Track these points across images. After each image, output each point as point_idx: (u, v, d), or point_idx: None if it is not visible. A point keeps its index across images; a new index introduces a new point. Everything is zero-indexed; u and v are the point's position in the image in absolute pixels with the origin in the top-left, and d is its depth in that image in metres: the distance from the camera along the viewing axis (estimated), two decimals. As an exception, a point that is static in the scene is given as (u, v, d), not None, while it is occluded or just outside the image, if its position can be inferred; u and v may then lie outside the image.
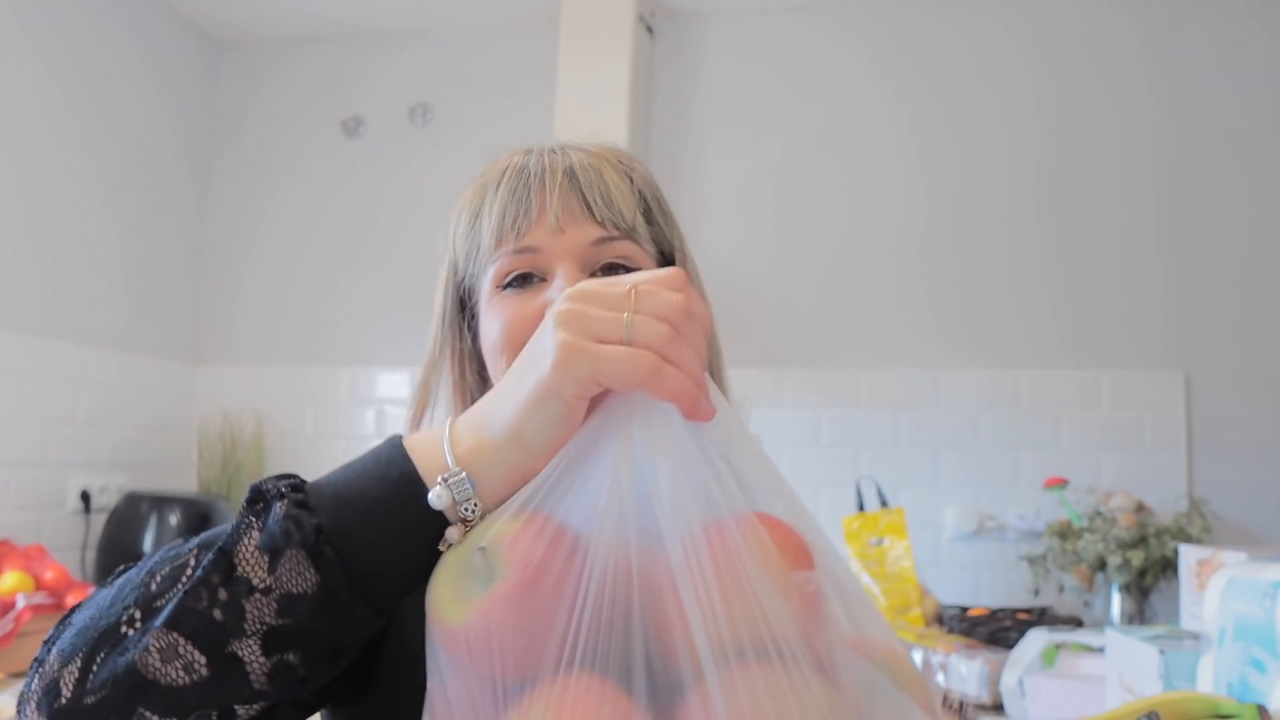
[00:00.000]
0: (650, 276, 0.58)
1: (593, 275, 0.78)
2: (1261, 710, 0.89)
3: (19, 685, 1.70)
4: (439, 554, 0.57)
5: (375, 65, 2.96)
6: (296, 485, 0.58)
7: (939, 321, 2.62)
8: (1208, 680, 1.13)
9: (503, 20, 2.87)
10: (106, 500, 2.53)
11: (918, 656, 2.00)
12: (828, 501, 2.57)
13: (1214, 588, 1.13)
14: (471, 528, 0.56)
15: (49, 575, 2.08)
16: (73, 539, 2.46)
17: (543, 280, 0.78)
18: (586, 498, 0.54)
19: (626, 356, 0.53)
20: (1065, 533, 2.27)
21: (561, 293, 0.60)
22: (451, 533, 0.57)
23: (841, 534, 2.39)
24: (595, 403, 0.57)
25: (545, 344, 0.56)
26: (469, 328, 0.84)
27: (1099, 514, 2.26)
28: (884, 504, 2.43)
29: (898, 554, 2.32)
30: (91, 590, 0.80)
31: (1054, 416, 2.53)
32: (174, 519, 2.40)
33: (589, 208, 0.78)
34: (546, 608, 0.51)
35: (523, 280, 0.78)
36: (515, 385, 0.58)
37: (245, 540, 0.56)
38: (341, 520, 0.56)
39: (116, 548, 2.41)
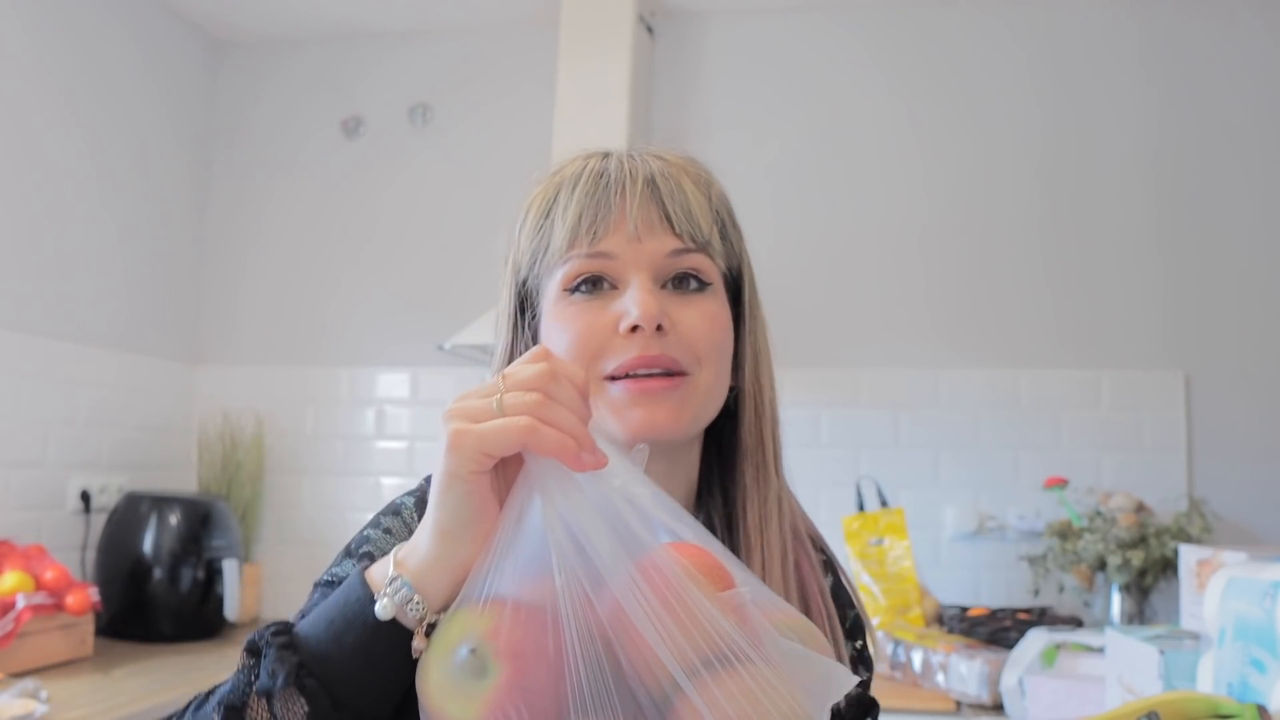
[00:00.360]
0: (516, 362, 0.63)
1: (664, 286, 0.78)
2: (1261, 710, 0.89)
3: (19, 685, 1.70)
4: (415, 660, 0.62)
5: (375, 65, 2.96)
6: (281, 630, 0.64)
7: (939, 321, 2.62)
8: (1208, 680, 1.13)
9: (503, 20, 2.87)
10: (106, 500, 2.53)
11: (917, 657, 2.00)
12: (828, 501, 2.57)
13: (1214, 588, 1.13)
14: (434, 628, 0.61)
15: (49, 575, 2.08)
16: (73, 539, 2.46)
17: (613, 288, 0.78)
18: (534, 568, 0.59)
19: (501, 424, 0.59)
20: (1065, 533, 2.27)
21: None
22: (416, 643, 0.61)
23: (841, 534, 2.39)
24: (507, 487, 0.62)
25: (440, 441, 0.61)
26: (529, 328, 0.83)
27: (1099, 514, 2.26)
28: (884, 504, 2.43)
29: (898, 554, 2.32)
30: None
31: (1054, 416, 2.53)
32: (174, 519, 2.40)
33: (668, 218, 0.78)
34: (546, 683, 0.57)
35: (592, 284, 0.78)
36: (431, 492, 0.62)
37: (247, 691, 0.62)
38: (317, 651, 0.62)
39: (116, 548, 2.41)
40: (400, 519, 0.78)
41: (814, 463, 2.60)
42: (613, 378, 0.76)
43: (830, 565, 0.91)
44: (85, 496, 2.49)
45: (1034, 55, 2.64)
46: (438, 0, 2.78)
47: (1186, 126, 2.56)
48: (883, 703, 2.09)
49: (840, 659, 0.82)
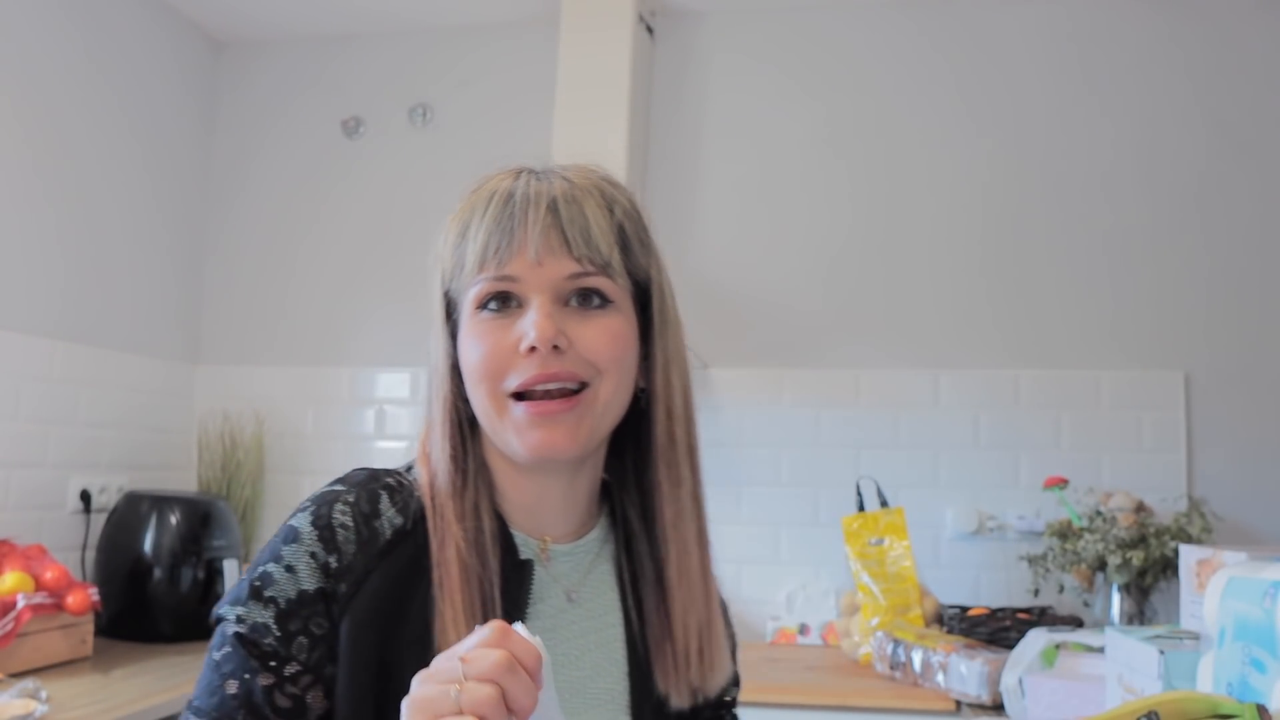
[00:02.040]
0: (475, 641, 0.64)
1: (568, 303, 0.83)
2: (1261, 710, 0.89)
3: (19, 685, 1.70)
4: None
5: (375, 65, 2.96)
6: None
7: (939, 321, 2.62)
8: (1208, 680, 1.13)
9: (503, 20, 2.87)
10: (106, 500, 2.53)
11: (917, 657, 2.00)
12: (828, 501, 2.57)
13: (1214, 588, 1.13)
14: None
15: (49, 575, 2.08)
16: (73, 539, 2.46)
17: (520, 305, 0.83)
18: None
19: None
20: (1065, 533, 2.27)
21: None
22: None
23: (841, 534, 2.39)
24: None
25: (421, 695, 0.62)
26: (453, 336, 0.87)
27: (1099, 514, 2.26)
28: (884, 504, 2.43)
29: (898, 554, 2.32)
30: None
31: (1054, 416, 2.53)
32: (174, 519, 2.40)
33: (567, 244, 0.82)
34: None
35: (501, 302, 0.83)
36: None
37: None
38: None
39: (116, 548, 2.41)
40: (300, 547, 0.78)
41: (814, 463, 2.60)
42: (517, 395, 0.81)
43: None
44: (85, 496, 2.49)
45: (1035, 54, 2.64)
46: (438, 0, 2.78)
47: (1187, 126, 2.56)
48: (883, 703, 2.10)
49: (732, 667, 0.94)
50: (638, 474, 0.90)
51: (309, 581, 0.77)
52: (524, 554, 0.85)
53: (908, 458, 2.57)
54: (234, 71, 3.03)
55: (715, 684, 0.90)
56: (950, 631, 2.21)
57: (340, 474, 0.85)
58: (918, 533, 2.45)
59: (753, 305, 2.69)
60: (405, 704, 0.62)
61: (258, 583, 0.77)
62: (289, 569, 0.77)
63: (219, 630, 0.78)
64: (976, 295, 2.61)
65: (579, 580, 0.89)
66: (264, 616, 0.76)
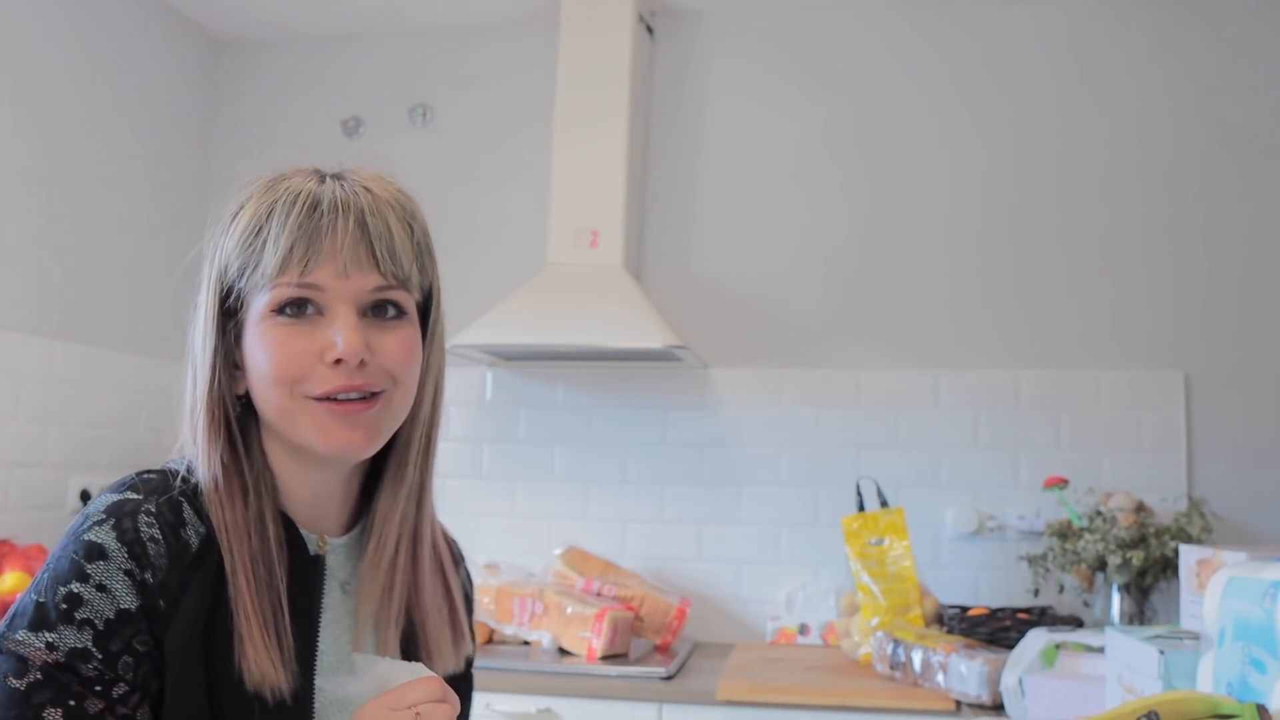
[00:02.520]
0: (423, 694, 0.78)
1: (364, 314, 0.85)
2: (1261, 710, 0.89)
3: (19, 685, 1.69)
4: None
5: (375, 65, 2.96)
6: None
7: (938, 321, 2.62)
8: (1208, 680, 1.13)
9: (503, 20, 2.87)
10: (106, 500, 2.53)
11: (917, 657, 2.00)
12: (828, 501, 2.57)
13: (1214, 588, 1.13)
14: None
15: (49, 575, 2.08)
16: (73, 539, 2.46)
17: (319, 313, 0.84)
18: None
19: None
20: (1065, 533, 2.27)
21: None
22: None
23: (841, 534, 2.39)
24: None
25: None
26: (230, 331, 0.86)
27: (1099, 514, 2.26)
28: (884, 504, 2.43)
29: (898, 554, 2.32)
30: None
31: (1054, 416, 2.53)
32: (174, 519, 2.40)
33: (374, 258, 0.85)
34: None
35: (298, 308, 0.83)
36: None
37: None
38: None
39: (116, 548, 2.41)
40: (110, 564, 0.74)
41: (814, 463, 2.60)
42: (316, 398, 0.83)
43: (458, 557, 1.07)
44: (85, 496, 2.49)
45: (1035, 55, 2.64)
46: (438, 0, 2.78)
47: (1186, 126, 2.56)
48: (883, 703, 2.10)
49: (470, 640, 1.02)
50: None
51: (127, 600, 0.73)
52: (312, 550, 0.88)
53: (908, 458, 2.57)
54: (234, 71, 3.03)
55: (465, 655, 0.99)
56: (950, 631, 2.21)
57: (124, 476, 0.82)
58: (918, 533, 2.45)
59: (753, 305, 2.69)
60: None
61: (64, 605, 0.71)
62: (101, 588, 0.73)
63: (8, 656, 0.71)
64: (976, 295, 2.61)
65: (350, 572, 0.92)
66: (81, 641, 0.71)
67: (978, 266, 2.62)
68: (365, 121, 2.93)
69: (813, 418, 2.63)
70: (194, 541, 0.79)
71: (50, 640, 0.71)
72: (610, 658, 2.21)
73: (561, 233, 2.54)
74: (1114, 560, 2.13)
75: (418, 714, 0.77)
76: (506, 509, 2.73)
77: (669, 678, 2.09)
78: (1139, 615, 2.20)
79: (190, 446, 0.85)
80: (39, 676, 0.70)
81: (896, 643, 2.08)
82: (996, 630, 2.14)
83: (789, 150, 2.73)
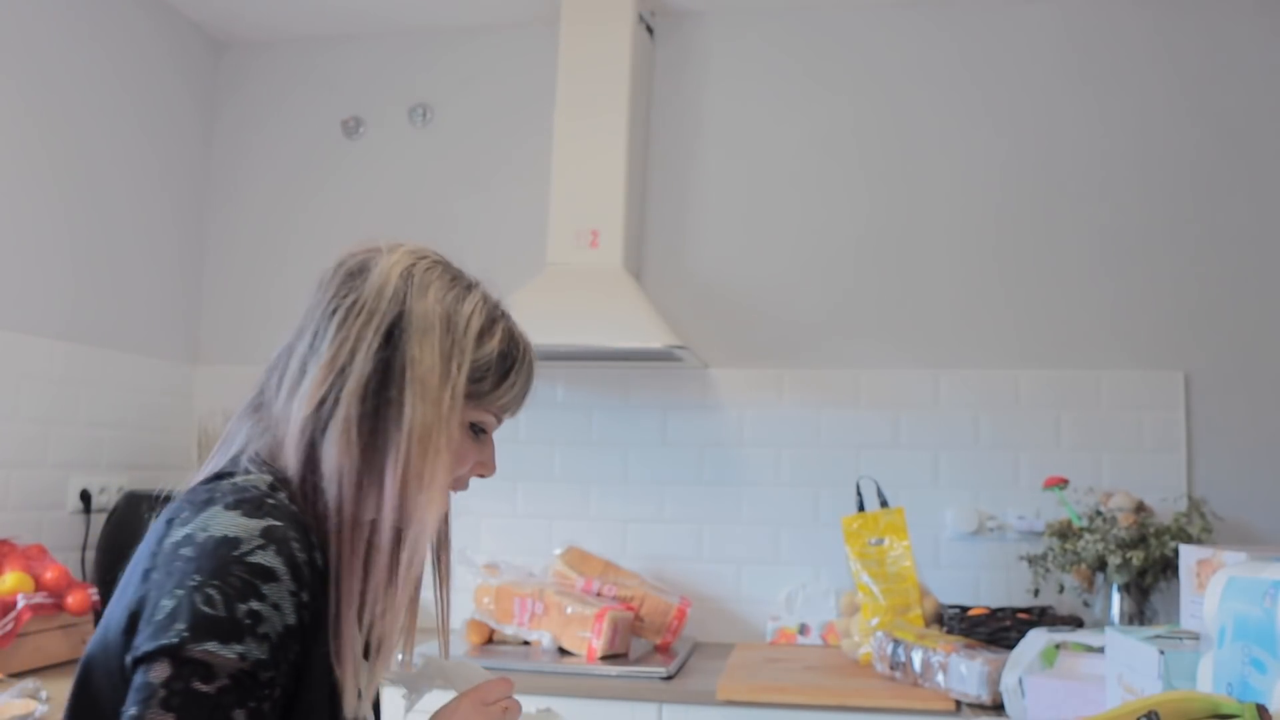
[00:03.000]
0: (503, 691, 1.04)
1: None
2: (1261, 710, 0.89)
3: (19, 685, 1.70)
4: None
5: (375, 65, 2.96)
6: None
7: (938, 321, 2.62)
8: (1208, 680, 1.13)
9: (503, 20, 2.87)
10: (106, 500, 2.53)
11: (917, 657, 2.00)
12: (828, 501, 2.57)
13: (1214, 588, 1.13)
14: None
15: (49, 575, 2.08)
16: (73, 539, 2.46)
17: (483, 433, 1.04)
18: None
19: None
20: (1065, 533, 2.26)
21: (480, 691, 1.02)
22: None
23: (841, 534, 2.39)
24: None
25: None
26: (401, 380, 0.93)
27: (1099, 514, 2.26)
28: (884, 504, 2.43)
29: (898, 554, 2.32)
30: None
31: (1053, 416, 2.53)
32: (174, 519, 2.40)
33: None
34: None
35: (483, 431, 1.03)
36: None
37: None
38: None
39: (116, 548, 2.40)
40: (281, 586, 0.82)
41: (814, 463, 2.60)
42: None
43: None
44: (85, 496, 2.49)
45: (1033, 55, 2.65)
46: (438, 0, 2.78)
47: (1186, 125, 2.56)
48: (883, 703, 2.10)
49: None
50: None
51: (292, 617, 0.82)
52: None
53: (908, 458, 2.57)
54: (234, 71, 3.03)
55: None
56: (950, 631, 2.21)
57: (232, 496, 0.86)
58: (918, 533, 2.46)
59: (753, 305, 2.69)
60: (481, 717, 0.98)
61: (248, 621, 0.79)
62: (275, 607, 0.81)
63: (199, 668, 0.78)
64: (976, 295, 2.61)
65: None
66: (262, 653, 0.80)
67: (978, 266, 2.62)
68: (365, 121, 2.93)
69: (813, 418, 2.63)
70: (319, 563, 0.88)
71: (241, 652, 0.79)
72: (610, 658, 2.21)
73: (561, 233, 2.54)
74: (1114, 560, 2.13)
75: (505, 709, 0.99)
76: (506, 509, 2.73)
77: (669, 678, 2.09)
78: (1139, 615, 2.20)
79: (297, 468, 0.92)
80: (228, 682, 0.78)
81: (896, 643, 2.08)
82: (996, 630, 2.14)
83: (789, 150, 2.73)
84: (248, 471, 0.90)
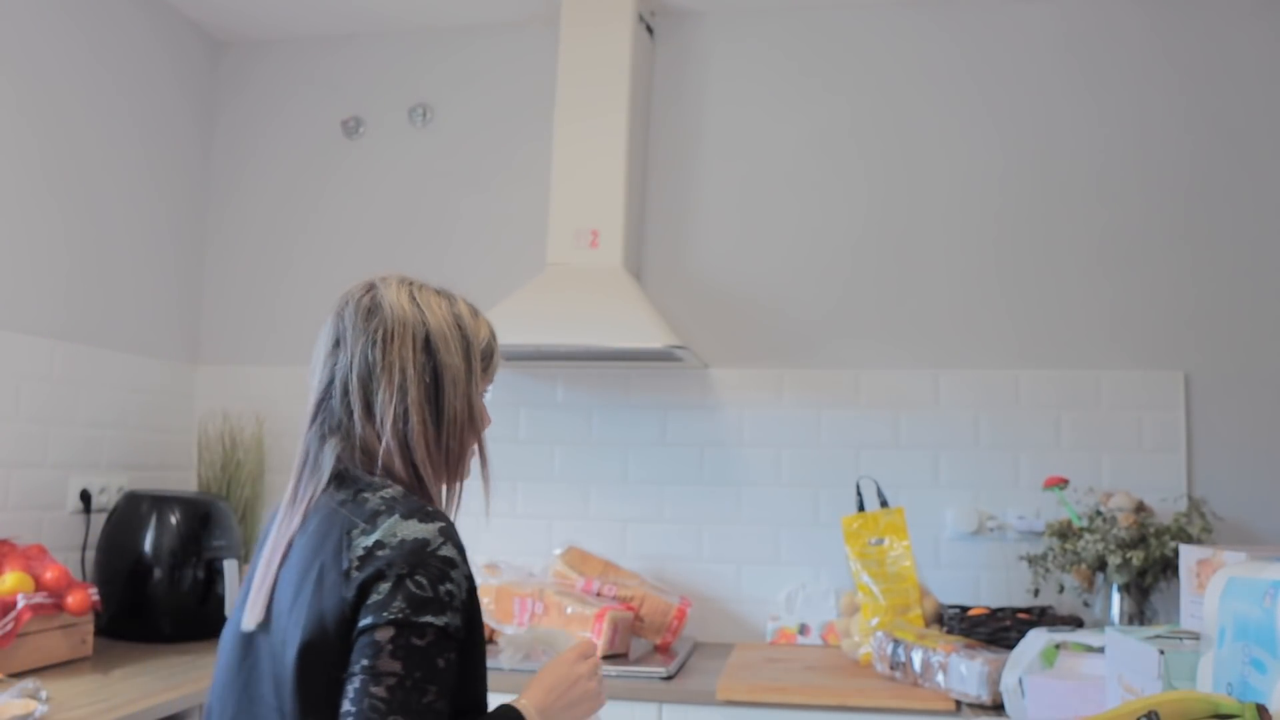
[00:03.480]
0: (593, 648, 1.30)
1: None
2: (1261, 710, 0.89)
3: (19, 685, 1.70)
4: None
5: (375, 65, 2.96)
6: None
7: (938, 321, 2.62)
8: (1208, 680, 1.13)
9: (503, 20, 2.87)
10: (106, 500, 2.54)
11: (917, 657, 2.00)
12: (828, 501, 2.57)
13: (1214, 588, 1.13)
14: None
15: (49, 575, 2.08)
16: (73, 539, 2.46)
17: None
18: None
19: (603, 693, 1.28)
20: (1065, 533, 2.27)
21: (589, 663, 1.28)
22: None
23: (841, 534, 2.39)
24: None
25: (593, 689, 1.26)
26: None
27: (1099, 514, 2.26)
28: (884, 504, 2.43)
29: (898, 554, 2.32)
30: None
31: (1053, 416, 2.53)
32: (174, 519, 2.40)
33: None
34: None
35: None
36: (564, 699, 1.24)
37: None
38: None
39: (116, 548, 2.41)
40: (460, 572, 1.10)
41: (814, 463, 2.60)
42: None
43: None
44: (85, 496, 2.49)
45: (1033, 55, 2.65)
46: (438, 0, 2.78)
47: (1185, 125, 2.56)
48: (883, 703, 2.10)
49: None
50: None
51: (464, 592, 1.09)
52: None
53: (908, 458, 2.57)
54: (234, 71, 3.03)
55: None
56: (950, 631, 2.21)
57: (401, 507, 1.11)
58: (918, 533, 2.46)
59: (753, 305, 2.70)
60: (585, 678, 1.25)
61: (446, 598, 1.06)
62: (458, 585, 1.08)
63: (418, 630, 1.04)
64: (976, 295, 2.61)
65: None
66: (459, 620, 1.08)
67: (978, 266, 2.62)
68: (365, 121, 2.94)
69: (813, 418, 2.63)
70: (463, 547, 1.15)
71: (445, 620, 1.06)
72: (610, 658, 2.21)
73: (561, 233, 2.54)
74: (1114, 560, 2.14)
75: (597, 664, 1.27)
76: (506, 509, 2.73)
77: (669, 678, 2.09)
78: (1139, 615, 2.20)
79: (407, 471, 1.17)
80: (434, 639, 1.05)
81: (896, 643, 2.08)
82: (996, 630, 2.14)
83: (789, 150, 2.73)
84: (375, 486, 1.14)
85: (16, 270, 2.33)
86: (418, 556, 1.06)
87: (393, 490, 1.13)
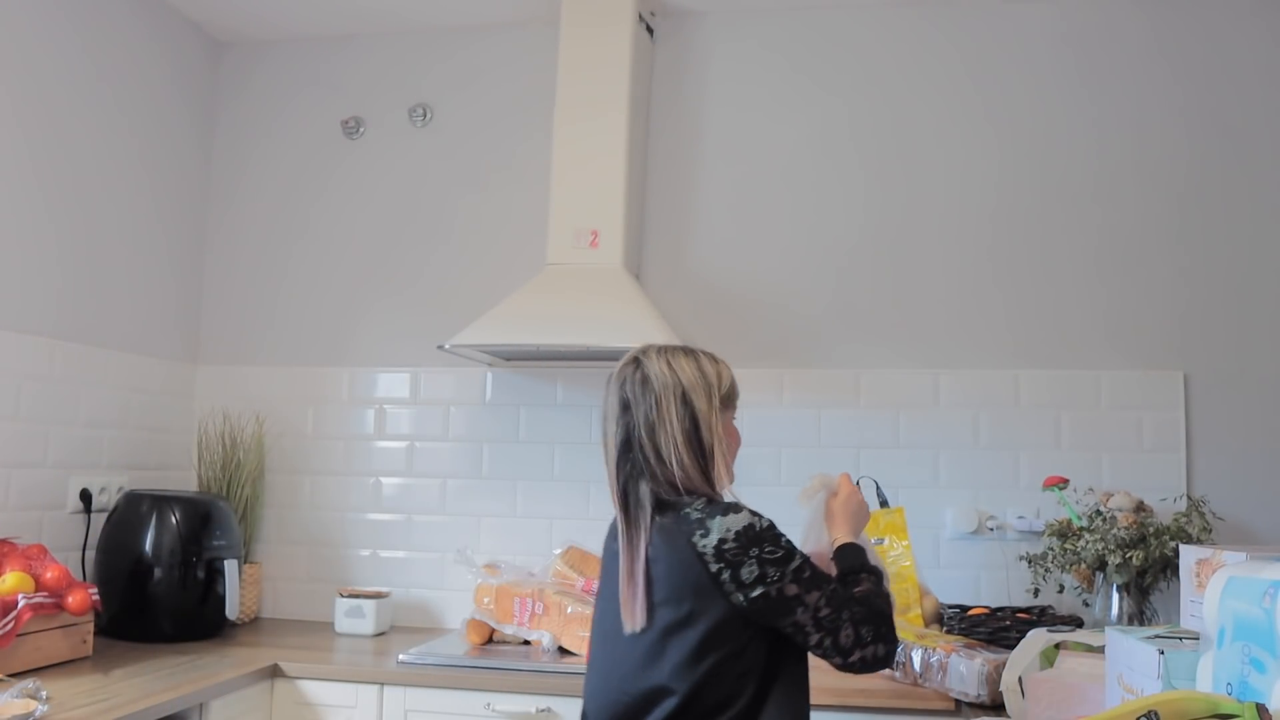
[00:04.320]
0: (847, 481, 1.75)
1: None
2: (1261, 710, 0.89)
3: (19, 685, 1.70)
4: None
5: (375, 65, 2.96)
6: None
7: (939, 321, 2.62)
8: (1208, 680, 1.13)
9: (503, 20, 2.87)
10: (106, 500, 2.54)
11: (917, 657, 2.01)
12: (828, 501, 2.57)
13: (1214, 588, 1.14)
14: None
15: (49, 575, 2.08)
16: (73, 539, 2.46)
17: None
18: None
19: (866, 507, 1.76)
20: (1065, 533, 2.26)
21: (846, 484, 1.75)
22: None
23: (841, 534, 2.38)
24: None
25: (863, 499, 1.73)
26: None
27: (1099, 514, 2.26)
28: (884, 504, 2.43)
29: (898, 554, 2.32)
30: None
31: (1054, 416, 2.53)
32: (174, 519, 2.40)
33: None
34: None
35: None
36: (859, 518, 1.71)
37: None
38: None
39: (116, 548, 2.41)
40: (782, 534, 1.52)
41: (814, 463, 2.60)
42: None
43: None
44: (85, 496, 2.49)
45: (1034, 55, 2.65)
46: (438, 0, 2.78)
47: (1184, 125, 2.56)
48: (883, 703, 2.10)
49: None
50: None
51: (787, 537, 1.52)
52: None
53: (908, 458, 2.57)
54: (234, 71, 3.03)
55: None
56: (950, 631, 2.21)
57: (718, 510, 1.51)
58: (918, 533, 2.45)
59: (753, 305, 2.70)
60: (858, 504, 1.71)
61: (789, 549, 1.50)
62: (788, 540, 1.52)
63: (796, 569, 1.48)
64: (977, 295, 2.61)
65: None
66: (801, 560, 1.49)
67: (977, 266, 2.62)
68: (365, 121, 2.94)
69: (813, 417, 2.63)
70: None
71: (799, 562, 1.48)
72: (610, 658, 2.21)
73: (561, 233, 2.54)
74: (1114, 560, 2.13)
75: (854, 485, 1.74)
76: (506, 509, 2.73)
77: (669, 678, 2.09)
78: (1139, 615, 2.20)
79: (719, 487, 1.57)
80: (807, 575, 1.48)
81: (896, 643, 2.08)
82: (996, 630, 2.14)
83: (789, 150, 2.73)
84: (684, 504, 1.51)
85: (16, 270, 2.33)
86: (752, 538, 1.48)
87: (700, 503, 1.52)
